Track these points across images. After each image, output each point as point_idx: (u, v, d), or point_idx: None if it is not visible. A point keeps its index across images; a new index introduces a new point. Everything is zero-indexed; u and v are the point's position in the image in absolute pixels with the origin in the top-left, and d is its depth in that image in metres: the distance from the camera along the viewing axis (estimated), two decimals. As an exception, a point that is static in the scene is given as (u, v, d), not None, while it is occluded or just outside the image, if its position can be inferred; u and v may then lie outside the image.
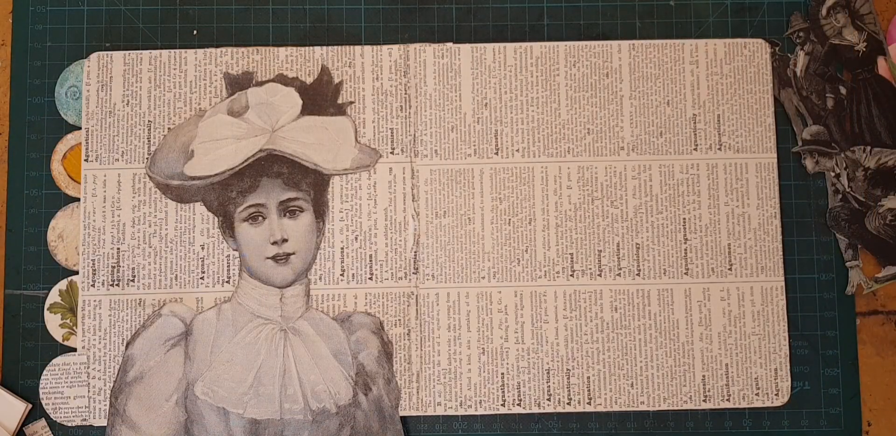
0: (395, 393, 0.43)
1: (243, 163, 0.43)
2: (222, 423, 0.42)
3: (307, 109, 0.44)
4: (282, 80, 0.45)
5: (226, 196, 0.44)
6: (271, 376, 0.43)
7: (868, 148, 0.45)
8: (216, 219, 0.44)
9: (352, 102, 0.45)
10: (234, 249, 0.44)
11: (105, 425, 0.43)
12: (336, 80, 0.45)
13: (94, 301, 0.44)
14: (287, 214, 0.44)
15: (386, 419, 0.43)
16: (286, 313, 0.43)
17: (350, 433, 0.42)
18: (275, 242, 0.43)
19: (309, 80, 0.45)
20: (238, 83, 0.45)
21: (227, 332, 0.43)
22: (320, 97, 0.44)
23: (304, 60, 0.45)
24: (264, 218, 0.43)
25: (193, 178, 0.43)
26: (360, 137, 0.45)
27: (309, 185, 0.44)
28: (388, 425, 0.43)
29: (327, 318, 0.44)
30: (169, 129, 0.44)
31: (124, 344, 0.43)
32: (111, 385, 0.43)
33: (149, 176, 0.44)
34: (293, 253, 0.44)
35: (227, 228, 0.44)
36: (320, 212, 0.44)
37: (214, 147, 0.43)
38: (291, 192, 0.44)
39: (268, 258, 0.43)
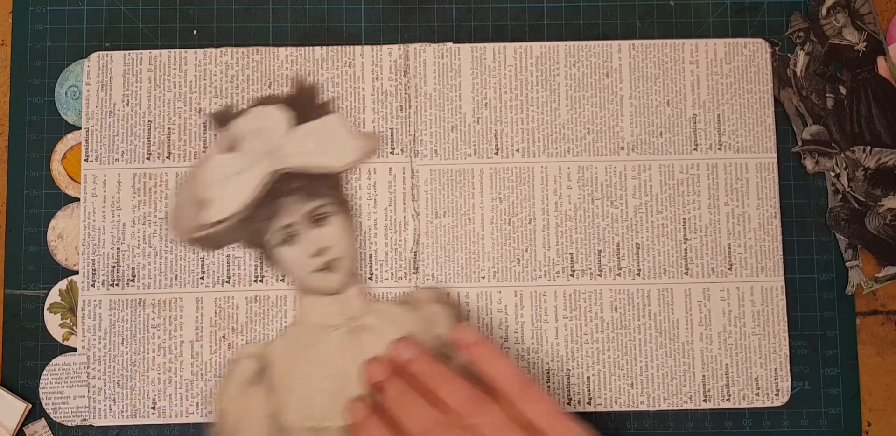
0: None
1: (262, 190, 0.43)
2: None
3: (296, 120, 0.44)
4: (261, 102, 0.45)
5: (254, 228, 0.43)
6: (353, 379, 0.42)
7: (868, 148, 0.45)
8: (256, 253, 0.44)
9: (332, 99, 0.45)
10: (280, 276, 0.44)
11: (106, 424, 0.43)
12: (308, 85, 0.45)
13: (94, 301, 0.44)
14: (317, 223, 0.44)
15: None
16: (350, 315, 0.43)
17: None
18: (315, 254, 0.43)
19: (285, 92, 0.45)
20: (222, 118, 0.44)
21: (300, 353, 0.43)
22: (302, 106, 0.44)
23: (304, 60, 0.45)
24: (298, 235, 0.43)
25: (217, 223, 0.43)
26: (353, 128, 0.45)
27: (327, 188, 0.44)
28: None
29: (389, 305, 0.44)
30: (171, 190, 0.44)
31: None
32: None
33: (176, 239, 0.44)
34: (337, 257, 0.44)
35: (268, 258, 0.44)
36: (346, 209, 0.44)
37: (224, 187, 0.43)
38: (313, 202, 0.44)
39: (315, 272, 0.43)
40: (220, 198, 0.43)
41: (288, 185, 0.44)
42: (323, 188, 0.44)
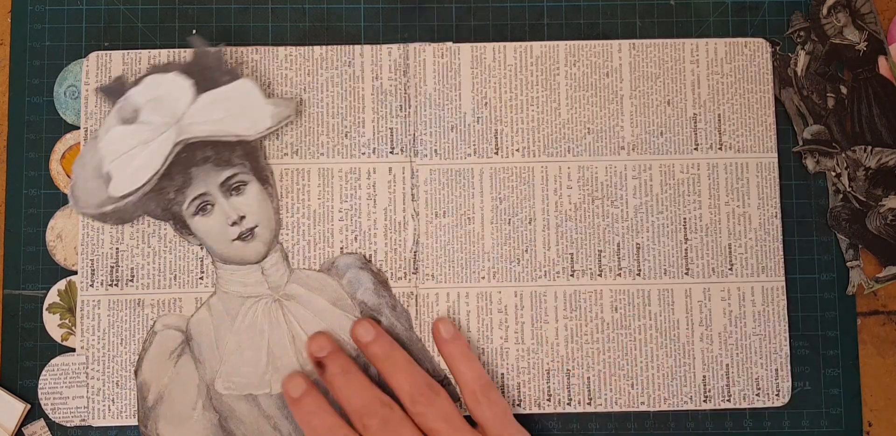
0: (404, 316, 0.43)
1: (164, 163, 0.42)
2: (254, 409, 0.42)
3: (202, 87, 0.43)
4: (157, 70, 0.43)
5: (165, 200, 0.43)
6: (282, 347, 0.43)
7: (869, 148, 0.45)
8: (167, 225, 0.44)
9: (240, 63, 0.44)
10: (198, 245, 0.44)
11: (105, 425, 0.43)
12: (211, 50, 0.43)
13: (93, 301, 0.44)
14: (232, 191, 0.43)
15: (405, 342, 0.43)
16: (273, 284, 0.43)
17: None
18: (234, 223, 0.43)
19: (184, 59, 0.44)
20: (114, 91, 0.43)
21: (225, 323, 0.43)
22: (208, 70, 0.43)
23: (304, 60, 0.45)
24: (213, 205, 0.43)
25: (123, 196, 0.42)
26: (268, 93, 0.44)
27: (240, 157, 0.43)
28: (408, 346, 0.43)
29: (313, 272, 0.44)
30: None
31: (132, 371, 0.43)
32: (135, 412, 0.43)
33: (81, 214, 0.43)
34: (256, 226, 0.43)
35: (182, 228, 0.43)
36: (263, 178, 0.44)
37: (128, 160, 0.42)
38: (227, 170, 0.43)
39: (234, 240, 0.43)
40: (124, 171, 0.42)
41: (199, 154, 0.42)
42: (237, 156, 0.43)
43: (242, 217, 0.43)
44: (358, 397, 0.40)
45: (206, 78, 0.43)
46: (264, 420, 0.42)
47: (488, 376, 0.42)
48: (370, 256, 0.44)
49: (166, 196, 0.43)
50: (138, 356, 0.43)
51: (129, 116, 0.42)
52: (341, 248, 0.44)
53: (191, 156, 0.42)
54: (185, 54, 0.44)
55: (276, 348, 0.43)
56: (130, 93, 0.43)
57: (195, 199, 0.43)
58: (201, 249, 0.44)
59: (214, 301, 0.43)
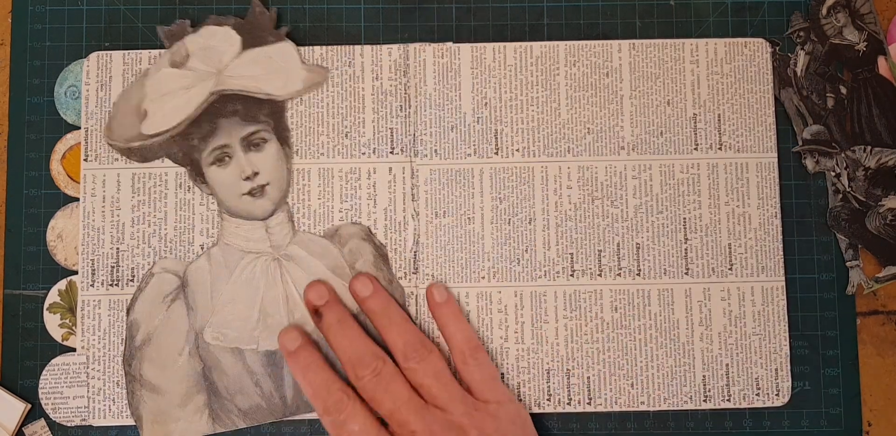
0: (399, 291, 0.44)
1: (197, 110, 0.44)
2: (239, 362, 0.43)
3: (248, 44, 0.45)
4: (216, 21, 0.45)
5: (188, 145, 0.44)
6: (275, 305, 0.43)
7: (868, 148, 0.45)
8: (184, 170, 0.44)
9: (290, 29, 0.45)
10: (208, 194, 0.44)
11: (105, 425, 0.43)
12: (268, 11, 0.45)
13: (94, 301, 0.44)
14: (252, 147, 0.44)
15: None
16: (275, 243, 0.44)
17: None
18: (247, 178, 0.44)
19: (243, 15, 0.45)
20: (175, 35, 0.45)
21: (223, 274, 0.43)
22: (258, 29, 0.45)
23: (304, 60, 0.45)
24: (231, 157, 0.44)
25: (152, 135, 0.44)
26: (304, 59, 0.45)
27: (266, 115, 0.44)
28: None
29: (316, 237, 0.44)
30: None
31: (124, 310, 0.43)
32: (122, 351, 0.43)
33: (109, 144, 0.44)
34: (267, 184, 0.44)
35: (198, 175, 0.44)
36: (284, 138, 0.45)
37: (166, 101, 0.44)
38: (251, 126, 0.44)
39: (244, 194, 0.44)
40: (160, 111, 0.44)
41: (230, 106, 0.44)
42: (264, 114, 0.44)
43: (256, 173, 0.44)
44: (352, 347, 0.41)
45: (254, 36, 0.45)
46: (247, 375, 0.43)
47: (478, 339, 0.43)
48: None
49: (190, 142, 0.44)
50: (132, 296, 0.43)
51: (180, 60, 0.44)
52: (341, 248, 0.44)
53: (221, 106, 0.44)
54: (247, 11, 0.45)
55: (268, 306, 0.43)
56: (188, 38, 0.45)
57: (216, 148, 0.44)
58: (211, 199, 0.44)
59: (215, 251, 0.44)
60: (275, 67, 0.44)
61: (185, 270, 0.44)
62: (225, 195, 0.44)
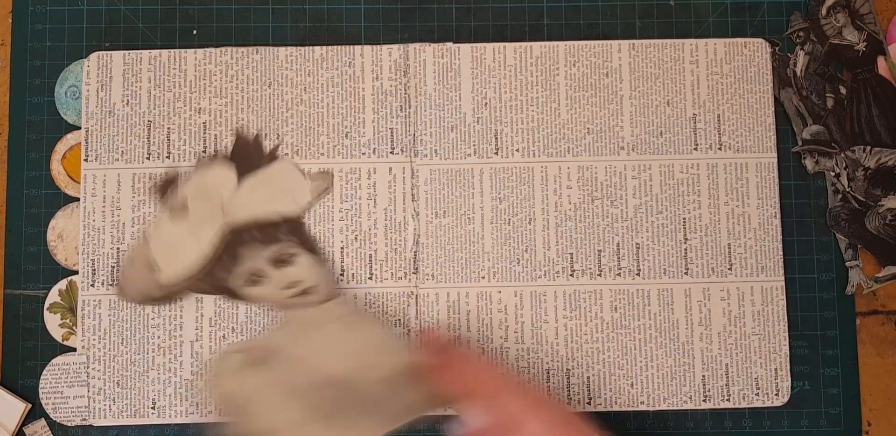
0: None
1: (213, 247, 0.43)
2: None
3: (243, 172, 0.44)
4: (203, 162, 0.44)
5: (215, 279, 0.43)
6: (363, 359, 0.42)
7: (868, 148, 0.45)
8: (221, 298, 0.44)
9: (278, 145, 0.44)
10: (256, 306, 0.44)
11: (106, 424, 0.43)
12: (251, 135, 0.44)
13: (94, 301, 0.44)
14: (282, 263, 0.43)
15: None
16: (339, 315, 0.43)
17: None
18: (288, 287, 0.43)
19: (227, 148, 0.44)
20: (166, 188, 0.44)
21: (299, 341, 0.42)
22: (248, 157, 0.44)
23: (304, 60, 0.45)
24: (264, 277, 0.43)
25: (173, 284, 0.43)
26: (304, 170, 0.44)
27: (285, 233, 0.44)
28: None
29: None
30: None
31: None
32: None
33: (134, 304, 0.44)
34: (312, 286, 0.43)
35: (234, 298, 0.44)
36: (312, 248, 0.44)
37: (175, 250, 0.43)
38: (274, 246, 0.43)
39: (290, 298, 0.43)
40: (173, 260, 0.43)
41: (245, 235, 0.43)
42: (282, 233, 0.44)
43: (295, 282, 0.43)
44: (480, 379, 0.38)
45: (248, 163, 0.44)
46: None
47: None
48: (370, 256, 0.44)
49: (216, 276, 0.43)
50: (209, 380, 0.43)
51: (179, 207, 0.43)
52: (342, 247, 0.44)
53: (237, 238, 0.43)
54: (229, 141, 0.45)
55: (356, 362, 0.41)
56: (181, 187, 0.44)
57: (244, 275, 0.43)
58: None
59: (284, 326, 0.43)
60: (279, 188, 0.44)
61: (257, 345, 0.43)
62: (272, 303, 0.43)
